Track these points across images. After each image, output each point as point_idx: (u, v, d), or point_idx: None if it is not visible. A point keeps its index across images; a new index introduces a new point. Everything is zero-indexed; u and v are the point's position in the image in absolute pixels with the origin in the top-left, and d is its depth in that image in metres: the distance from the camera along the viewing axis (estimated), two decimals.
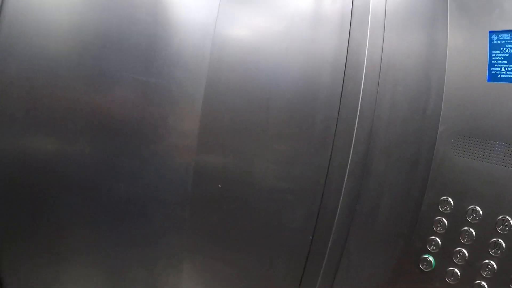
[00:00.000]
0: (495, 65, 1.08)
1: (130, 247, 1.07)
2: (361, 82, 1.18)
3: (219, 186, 1.10)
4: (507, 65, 1.06)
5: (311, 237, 1.24)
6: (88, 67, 0.94)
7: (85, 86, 0.94)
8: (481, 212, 1.06)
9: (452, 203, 1.12)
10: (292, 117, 1.18)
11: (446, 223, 1.13)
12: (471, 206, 1.07)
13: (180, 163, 1.05)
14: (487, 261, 1.03)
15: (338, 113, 1.22)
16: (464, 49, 1.14)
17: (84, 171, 0.96)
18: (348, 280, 1.28)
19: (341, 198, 1.19)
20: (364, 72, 1.18)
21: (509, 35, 1.07)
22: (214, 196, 1.10)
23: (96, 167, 0.97)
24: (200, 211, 1.10)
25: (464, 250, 1.08)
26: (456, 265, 1.10)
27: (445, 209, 1.13)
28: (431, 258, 1.15)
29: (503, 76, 1.06)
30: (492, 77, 1.08)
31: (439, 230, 1.14)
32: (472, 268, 1.07)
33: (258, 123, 1.13)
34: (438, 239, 1.15)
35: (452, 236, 1.11)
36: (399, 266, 1.25)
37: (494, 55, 1.09)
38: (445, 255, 1.13)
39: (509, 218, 1.00)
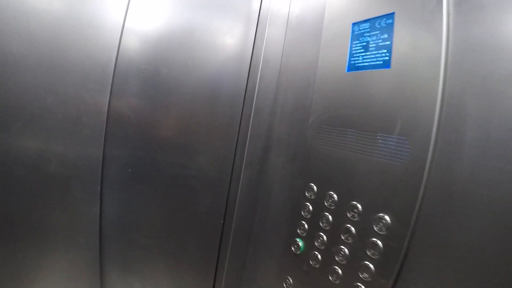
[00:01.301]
0: (354, 55, 1.11)
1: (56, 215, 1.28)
2: (256, 82, 1.37)
3: (129, 170, 1.32)
4: (364, 53, 1.08)
5: (222, 222, 1.44)
6: None
7: None
8: (336, 198, 1.10)
9: (315, 189, 1.16)
10: (195, 115, 1.36)
11: (311, 208, 1.18)
12: (329, 192, 1.11)
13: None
14: (341, 246, 1.07)
15: (242, 111, 1.39)
16: (332, 43, 1.19)
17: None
18: (257, 258, 1.43)
19: (239, 186, 1.38)
20: (259, 73, 1.37)
21: (368, 24, 1.09)
22: (124, 178, 1.32)
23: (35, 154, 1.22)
24: (110, 188, 1.32)
25: (323, 235, 1.13)
26: (317, 249, 1.15)
27: (310, 195, 1.18)
28: (300, 242, 1.21)
29: (360, 64, 1.09)
30: (351, 67, 1.11)
31: (306, 215, 1.20)
32: (329, 252, 1.11)
33: (162, 120, 1.34)
34: (305, 224, 1.20)
35: (315, 221, 1.16)
36: (280, 249, 1.33)
37: (354, 45, 1.12)
38: (310, 239, 1.18)
39: (358, 205, 1.03)
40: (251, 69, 1.36)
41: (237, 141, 1.38)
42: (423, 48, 0.92)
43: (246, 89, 1.35)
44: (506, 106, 0.73)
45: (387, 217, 0.93)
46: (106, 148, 1.28)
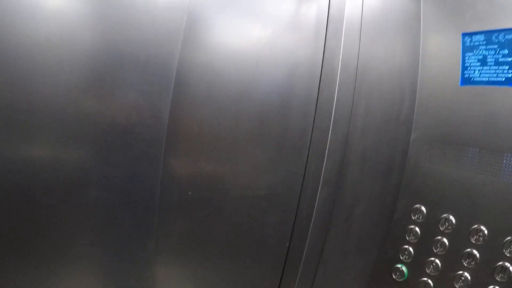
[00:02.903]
0: (469, 68, 1.04)
1: (102, 253, 1.06)
2: (335, 91, 1.18)
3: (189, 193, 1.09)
4: (481, 68, 1.02)
5: (287, 245, 1.23)
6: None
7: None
8: (454, 221, 1.02)
9: (425, 211, 1.08)
10: (265, 125, 1.16)
11: (419, 232, 1.09)
12: (444, 215, 1.04)
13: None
14: (460, 272, 1.00)
15: (314, 122, 1.21)
16: (437, 53, 1.11)
17: (57, 177, 0.96)
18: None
19: (315, 206, 1.19)
20: (338, 80, 1.18)
21: (483, 36, 1.03)
22: (183, 203, 1.10)
23: (69, 173, 0.97)
24: (168, 218, 1.09)
25: (437, 260, 1.05)
26: (429, 276, 1.06)
27: (418, 218, 1.09)
28: (404, 268, 1.12)
29: (477, 79, 1.02)
30: (466, 81, 1.04)
31: (412, 239, 1.10)
32: (445, 279, 1.03)
33: (230, 131, 1.12)
34: (410, 249, 1.11)
35: (424, 246, 1.08)
36: (373, 275, 1.23)
37: (467, 57, 1.05)
38: (418, 265, 1.10)
39: (483, 228, 0.96)
40: (322, 75, 1.19)
41: (307, 155, 1.19)
42: None
43: (317, 98, 1.17)
44: None
45: None
46: (165, 167, 1.04)
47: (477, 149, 0.99)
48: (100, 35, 0.96)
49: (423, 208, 1.08)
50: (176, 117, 1.03)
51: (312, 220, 1.19)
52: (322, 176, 1.18)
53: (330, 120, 1.17)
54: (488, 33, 1.03)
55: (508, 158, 0.92)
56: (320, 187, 1.19)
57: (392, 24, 1.25)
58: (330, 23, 1.22)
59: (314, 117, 1.19)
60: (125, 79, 0.98)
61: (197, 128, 1.08)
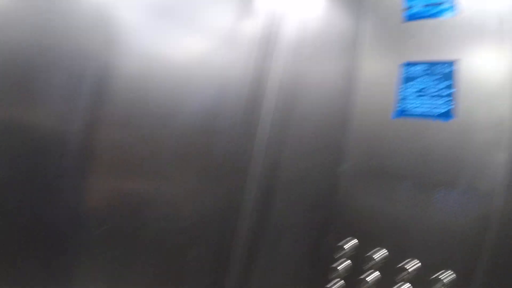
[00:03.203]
0: (404, 100, 1.01)
1: None
2: (264, 115, 1.14)
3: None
4: (416, 100, 1.00)
5: (211, 277, 1.17)
6: None
7: None
8: (384, 254, 1.00)
9: (356, 244, 1.05)
10: (190, 150, 1.09)
11: (350, 265, 1.06)
12: (376, 248, 1.01)
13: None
14: None
15: (241, 147, 1.15)
16: (372, 81, 1.08)
17: None
18: None
19: (240, 237, 1.14)
20: (267, 104, 1.14)
21: (422, 67, 1.01)
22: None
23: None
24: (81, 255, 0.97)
25: None
26: None
27: (349, 251, 1.06)
28: None
29: (412, 111, 1.00)
30: (400, 113, 1.01)
31: (343, 272, 1.07)
32: None
33: (152, 155, 1.02)
34: (342, 282, 1.07)
35: (355, 278, 1.04)
36: None
37: (403, 88, 1.02)
38: None
39: (415, 262, 0.94)
40: (252, 97, 1.12)
41: (233, 183, 1.12)
42: (490, 103, 0.89)
43: (245, 121, 1.10)
44: None
45: (449, 275, 0.88)
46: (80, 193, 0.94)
47: (409, 183, 0.97)
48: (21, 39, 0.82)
49: (354, 241, 1.05)
50: (94, 137, 0.94)
51: (237, 251, 1.14)
52: (248, 205, 1.12)
53: (257, 146, 1.11)
54: (428, 65, 1.01)
55: (440, 193, 0.91)
56: (246, 216, 1.13)
57: (328, 48, 1.21)
58: (265, 44, 1.15)
59: (241, 142, 1.11)
60: (38, 92, 0.85)
61: (117, 151, 0.97)
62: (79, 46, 0.89)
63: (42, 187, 0.87)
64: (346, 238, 1.05)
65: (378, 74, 1.06)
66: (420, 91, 1.00)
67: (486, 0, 0.98)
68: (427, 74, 1.00)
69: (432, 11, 1.04)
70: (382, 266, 1.00)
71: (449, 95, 0.95)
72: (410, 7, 1.07)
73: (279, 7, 1.21)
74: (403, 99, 1.01)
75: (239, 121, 1.12)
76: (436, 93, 0.97)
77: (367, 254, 1.01)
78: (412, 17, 1.06)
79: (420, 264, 0.93)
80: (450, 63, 0.97)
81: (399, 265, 0.95)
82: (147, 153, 1.01)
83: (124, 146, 0.97)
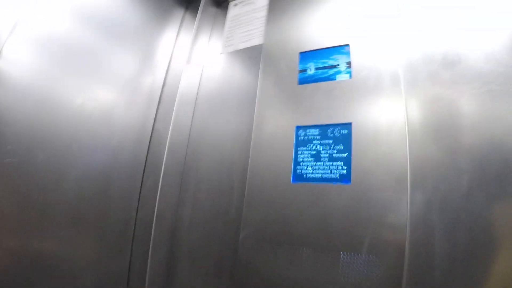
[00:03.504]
0: (301, 164, 0.97)
1: None
2: (160, 179, 1.04)
3: None
4: (314, 163, 0.96)
5: None
6: None
7: None
8: None
9: None
10: (80, 220, 0.97)
11: None
12: None
13: None
14: None
15: (137, 214, 1.06)
16: (268, 145, 1.03)
17: None
18: None
19: None
20: (163, 167, 1.05)
21: (317, 130, 0.98)
22: None
23: None
24: None
25: None
26: None
27: None
28: None
29: (310, 175, 0.95)
30: (298, 177, 0.96)
31: None
32: None
33: (36, 226, 0.90)
34: None
35: None
36: None
37: (300, 152, 0.98)
38: None
39: None
40: (148, 161, 1.06)
41: (131, 253, 1.02)
42: (387, 163, 0.87)
43: (141, 186, 1.04)
44: (468, 220, 0.75)
45: None
46: None
47: (310, 250, 0.90)
48: None
49: None
50: None
51: None
52: (147, 276, 1.01)
53: (154, 212, 1.03)
54: (323, 127, 0.98)
55: (345, 257, 0.84)
56: (150, 285, 1.01)
57: (228, 108, 1.17)
58: (163, 103, 1.12)
59: (137, 209, 1.04)
60: None
61: (5, 216, 0.85)
62: None
63: None
64: None
65: (277, 136, 1.02)
66: (315, 155, 0.96)
67: (379, 61, 0.98)
68: (321, 137, 0.96)
69: (326, 74, 1.03)
70: None
71: (344, 158, 0.92)
72: (304, 70, 1.07)
73: (179, 63, 1.20)
74: (300, 162, 0.97)
75: (136, 186, 1.06)
76: (331, 157, 0.93)
77: None
78: (306, 79, 1.05)
79: None
80: (344, 126, 0.95)
81: None
82: (36, 219, 0.89)
83: (8, 212, 0.85)
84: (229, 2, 1.43)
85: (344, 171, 0.91)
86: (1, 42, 0.85)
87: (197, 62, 1.26)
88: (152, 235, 1.02)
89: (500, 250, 0.72)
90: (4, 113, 0.84)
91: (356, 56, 1.02)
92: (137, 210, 1.04)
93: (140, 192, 1.06)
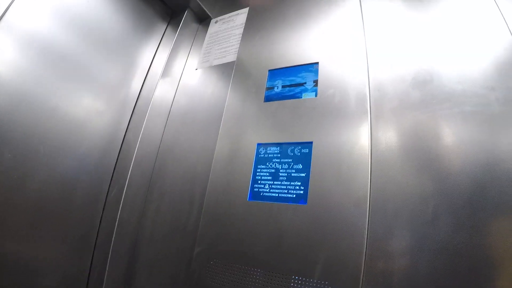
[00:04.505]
0: (259, 182, 0.95)
1: None
2: (124, 189, 1.06)
3: None
4: (271, 182, 0.94)
5: None
6: None
7: None
8: None
9: None
10: (42, 224, 0.97)
11: None
12: None
13: None
14: None
15: (100, 222, 1.07)
16: (229, 160, 1.02)
17: None
18: None
19: None
20: (129, 177, 1.06)
21: (277, 148, 0.97)
22: None
23: None
24: None
25: None
26: None
27: None
28: None
29: (267, 194, 0.94)
30: (255, 195, 0.95)
31: None
32: None
33: None
34: None
35: None
36: None
37: (259, 170, 0.97)
38: None
39: None
40: (115, 170, 1.06)
41: (92, 260, 1.01)
42: (347, 185, 0.84)
43: (107, 194, 1.04)
44: (432, 249, 0.72)
45: None
46: None
47: (262, 270, 0.88)
48: None
49: None
50: None
51: None
52: (105, 282, 1.00)
53: (119, 222, 1.03)
54: (284, 145, 0.96)
55: (296, 281, 0.82)
56: None
57: (198, 122, 1.18)
58: (135, 115, 1.13)
59: (101, 217, 1.04)
60: None
61: None
62: None
63: None
64: None
65: (238, 153, 1.02)
66: (273, 173, 0.95)
67: (347, 79, 0.97)
68: (281, 155, 0.95)
69: (292, 92, 1.02)
70: None
71: (302, 178, 0.90)
72: (271, 87, 1.06)
73: (156, 75, 1.21)
74: (258, 180, 0.96)
75: (102, 193, 1.06)
76: (289, 176, 0.92)
77: None
78: (272, 97, 1.05)
79: None
80: (305, 145, 0.93)
81: None
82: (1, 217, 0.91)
83: None
84: (211, 19, 1.44)
85: (301, 191, 0.90)
86: None
87: (173, 76, 1.28)
88: (112, 243, 1.01)
89: (463, 280, 0.68)
90: None
91: (324, 74, 1.02)
92: (101, 218, 1.04)
93: (105, 201, 1.06)
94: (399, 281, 0.72)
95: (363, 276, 0.75)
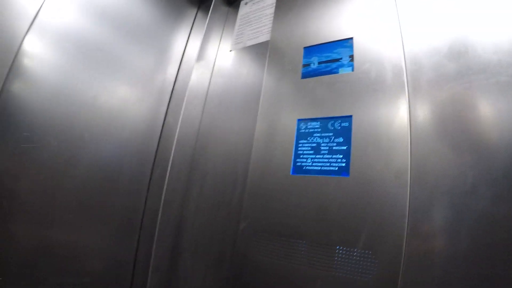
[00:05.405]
0: (301, 156, 0.98)
1: None
2: (168, 168, 1.07)
3: None
4: (314, 156, 0.96)
5: None
6: None
7: None
8: None
9: None
10: (89, 205, 1.02)
11: None
12: None
13: None
14: None
15: (145, 203, 1.11)
16: (270, 137, 1.04)
17: None
18: None
19: None
20: (172, 158, 1.08)
21: (318, 123, 0.99)
22: None
23: None
24: None
25: None
26: None
27: None
28: None
29: (309, 168, 0.96)
30: (297, 169, 0.97)
31: None
32: None
33: (45, 211, 0.95)
34: None
35: None
36: None
37: (300, 145, 0.99)
38: None
39: None
40: (158, 151, 1.10)
41: (138, 241, 1.05)
42: (387, 157, 0.85)
43: (151, 176, 1.07)
44: (471, 219, 0.72)
45: None
46: None
47: (306, 242, 0.91)
48: None
49: None
50: None
51: None
52: (152, 262, 1.04)
53: (164, 202, 1.06)
54: (324, 120, 0.98)
55: (340, 251, 0.84)
56: (150, 275, 1.04)
57: (236, 103, 1.20)
58: (175, 97, 1.16)
59: (146, 199, 1.08)
60: None
61: (13, 199, 0.91)
62: None
63: None
64: None
65: (278, 129, 1.04)
66: (315, 147, 0.96)
67: (382, 53, 0.98)
68: (322, 130, 0.97)
69: (329, 68, 1.04)
70: None
71: (343, 151, 0.92)
72: (308, 64, 1.07)
73: (191, 60, 1.23)
74: (300, 155, 0.98)
75: (145, 176, 1.09)
76: (331, 149, 0.94)
77: None
78: (309, 73, 1.06)
79: None
80: (345, 119, 0.95)
81: None
82: (47, 203, 0.95)
83: (21, 194, 0.92)
84: (240, 1, 1.46)
85: (343, 164, 0.91)
86: (20, 38, 0.91)
87: (207, 59, 1.30)
88: (157, 224, 1.05)
89: (503, 251, 0.69)
90: (21, 103, 0.91)
91: (359, 49, 1.02)
92: (145, 200, 1.08)
93: (149, 182, 1.09)
94: (440, 250, 0.73)
95: (405, 244, 0.77)
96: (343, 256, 0.84)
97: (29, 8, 0.96)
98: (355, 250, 0.82)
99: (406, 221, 0.78)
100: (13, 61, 0.90)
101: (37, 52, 0.96)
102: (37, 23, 0.96)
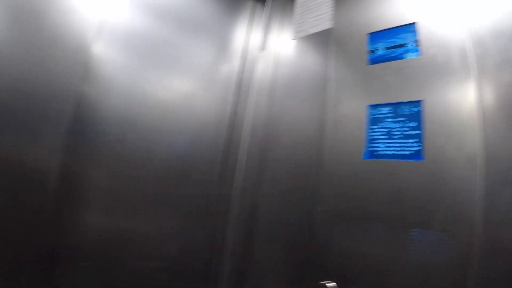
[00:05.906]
0: (373, 141, 1.02)
1: None
2: (242, 157, 1.16)
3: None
4: (385, 141, 1.00)
5: None
6: None
7: None
8: None
9: (333, 287, 1.02)
10: (166, 192, 1.10)
11: None
12: None
13: None
14: None
15: (218, 190, 1.16)
16: (342, 124, 1.08)
17: None
18: None
19: (225, 280, 1.11)
20: (245, 146, 1.16)
21: (389, 108, 1.02)
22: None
23: None
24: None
25: None
26: None
27: None
28: None
29: (382, 153, 0.99)
30: (370, 154, 1.01)
31: None
32: None
33: (127, 197, 1.04)
34: None
35: None
36: None
37: (372, 130, 1.03)
38: None
39: None
40: (229, 140, 1.16)
41: (214, 226, 1.14)
42: (459, 140, 0.87)
43: (222, 165, 1.14)
44: None
45: None
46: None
47: (382, 225, 0.96)
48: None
49: (331, 284, 1.03)
50: (74, 175, 0.96)
51: None
52: (229, 247, 1.12)
53: (235, 189, 1.14)
54: (394, 106, 1.01)
55: (415, 233, 0.89)
56: (228, 257, 1.13)
57: (299, 92, 1.23)
58: (240, 87, 1.21)
59: (219, 187, 1.15)
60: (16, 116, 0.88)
61: (95, 190, 0.99)
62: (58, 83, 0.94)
63: (24, 221, 0.89)
64: (325, 280, 1.04)
65: (348, 116, 1.07)
66: (387, 132, 1.00)
67: (447, 37, 0.98)
68: (393, 115, 1.00)
69: (395, 53, 1.05)
70: None
71: (416, 135, 0.94)
72: (374, 50, 1.10)
73: (253, 51, 1.27)
74: (372, 140, 1.01)
75: (216, 165, 1.16)
76: (404, 134, 0.97)
77: None
78: (376, 59, 1.08)
79: None
80: (415, 104, 0.97)
81: None
82: (126, 192, 1.03)
83: (102, 185, 1.00)
84: None
85: (416, 149, 0.94)
86: (89, 41, 0.99)
87: (270, 49, 1.34)
88: (232, 210, 1.11)
89: None
90: (95, 101, 0.99)
91: (424, 34, 1.03)
92: (219, 186, 1.14)
93: (221, 170, 1.15)
94: None
95: (481, 227, 0.79)
96: (418, 238, 0.87)
97: (96, 12, 1.02)
98: (430, 232, 0.85)
99: (481, 204, 0.80)
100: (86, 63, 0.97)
101: (105, 54, 1.03)
102: (104, 26, 1.03)
